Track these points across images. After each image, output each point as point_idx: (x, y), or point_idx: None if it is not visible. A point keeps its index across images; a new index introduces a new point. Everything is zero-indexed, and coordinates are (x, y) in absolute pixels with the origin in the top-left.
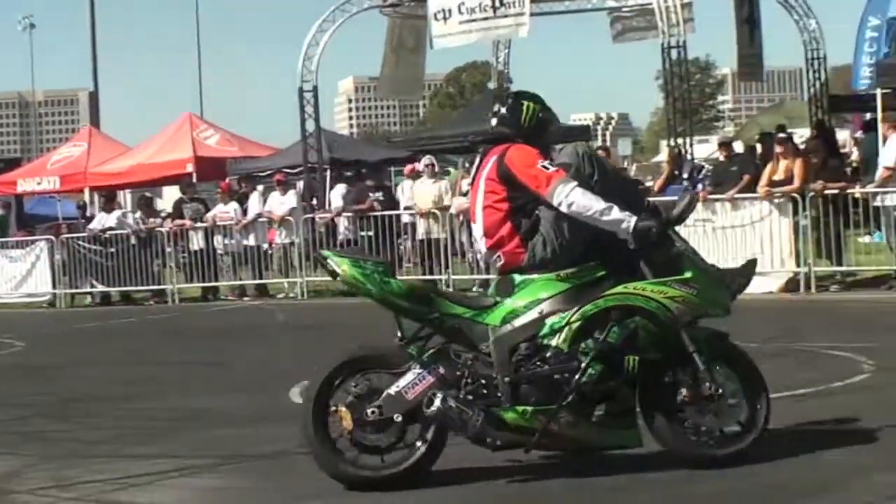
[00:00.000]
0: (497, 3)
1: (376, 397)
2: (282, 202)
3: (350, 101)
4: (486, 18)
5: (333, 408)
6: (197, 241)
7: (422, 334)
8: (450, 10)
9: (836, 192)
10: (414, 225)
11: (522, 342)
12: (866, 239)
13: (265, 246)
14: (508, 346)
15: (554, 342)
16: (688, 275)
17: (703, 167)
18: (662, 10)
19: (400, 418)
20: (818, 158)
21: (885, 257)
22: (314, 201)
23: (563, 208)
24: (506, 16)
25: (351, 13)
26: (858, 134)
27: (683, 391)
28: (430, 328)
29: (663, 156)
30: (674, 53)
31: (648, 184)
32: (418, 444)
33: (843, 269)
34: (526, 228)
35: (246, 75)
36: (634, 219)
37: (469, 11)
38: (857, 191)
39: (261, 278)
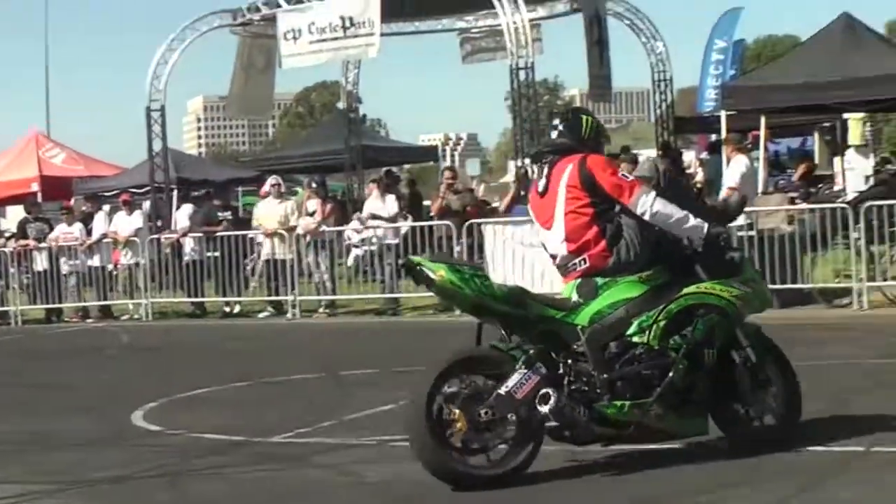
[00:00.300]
0: (347, 24)
1: (486, 398)
2: (128, 222)
3: (199, 120)
4: (335, 38)
5: (441, 407)
6: (41, 262)
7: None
8: (300, 30)
9: None
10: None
11: (612, 341)
12: None
13: (110, 267)
14: (600, 345)
15: (644, 339)
16: (746, 275)
17: None
18: (511, 31)
19: (514, 417)
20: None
21: None
22: (160, 222)
23: (647, 216)
24: (356, 36)
25: (201, 32)
26: (704, 155)
27: (744, 380)
28: (521, 330)
29: (511, 176)
30: (522, 74)
31: (495, 204)
32: (527, 443)
33: None
34: (611, 233)
35: (95, 93)
36: (706, 225)
37: (319, 31)
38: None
39: (105, 300)
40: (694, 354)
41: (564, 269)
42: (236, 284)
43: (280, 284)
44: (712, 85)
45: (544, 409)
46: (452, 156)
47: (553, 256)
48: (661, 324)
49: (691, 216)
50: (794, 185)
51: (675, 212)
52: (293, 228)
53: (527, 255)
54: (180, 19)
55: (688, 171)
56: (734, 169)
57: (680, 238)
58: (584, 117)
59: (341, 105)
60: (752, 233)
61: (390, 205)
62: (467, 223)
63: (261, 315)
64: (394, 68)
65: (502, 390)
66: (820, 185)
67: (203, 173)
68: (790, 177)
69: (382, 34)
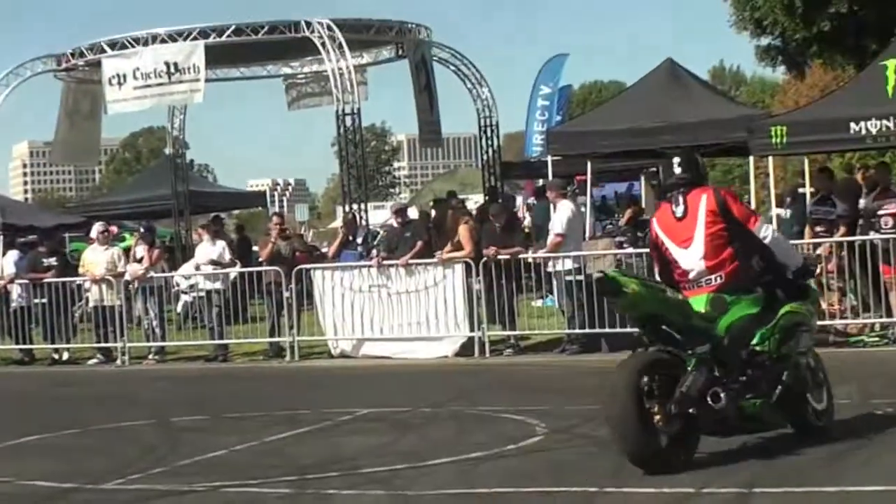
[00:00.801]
0: (172, 69)
1: (671, 394)
2: None
3: (25, 165)
4: (160, 84)
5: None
6: None
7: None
8: (125, 76)
9: (508, 257)
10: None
11: (742, 349)
12: (539, 303)
13: None
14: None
15: (765, 348)
16: (812, 298)
17: (377, 233)
18: (336, 77)
19: (694, 412)
20: (500, 223)
21: (557, 321)
22: None
23: (768, 241)
24: (181, 81)
25: (24, 77)
26: (531, 200)
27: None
28: (687, 338)
29: (339, 221)
30: (348, 120)
31: (324, 250)
32: (697, 434)
33: (517, 332)
34: (742, 255)
35: None
36: (803, 255)
37: (144, 77)
38: (529, 256)
39: None
40: (797, 360)
41: (697, 283)
42: (64, 331)
43: (109, 331)
44: (538, 130)
45: (717, 405)
46: (281, 201)
47: (687, 271)
48: (778, 336)
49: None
50: (622, 229)
51: (784, 240)
52: (121, 274)
53: (356, 299)
54: (4, 64)
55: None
56: (561, 214)
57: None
58: (697, 156)
59: (168, 150)
60: (580, 277)
61: (221, 250)
62: (296, 269)
63: (90, 362)
64: (221, 114)
65: (683, 388)
66: (647, 230)
67: (29, 219)
68: (617, 221)
69: (208, 80)
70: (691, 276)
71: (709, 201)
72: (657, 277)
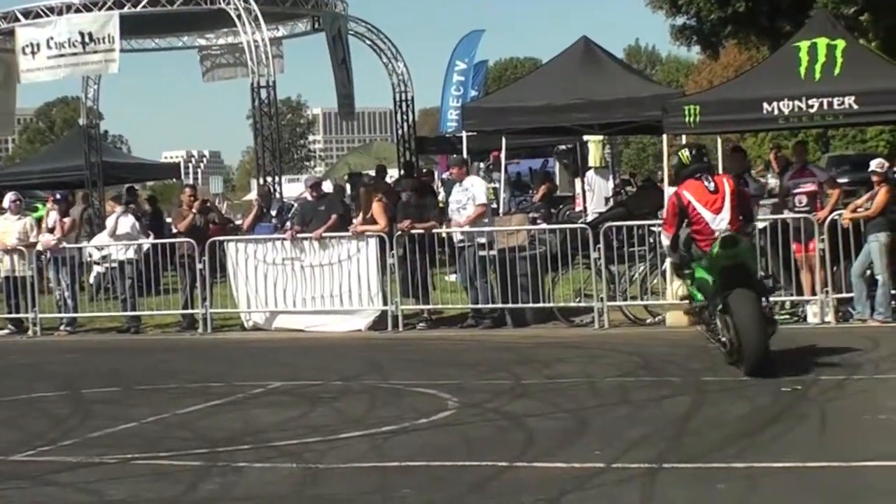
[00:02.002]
0: (86, 39)
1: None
2: None
3: None
4: (74, 54)
5: None
6: None
7: None
8: (38, 45)
9: (422, 231)
10: None
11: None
12: (452, 277)
13: None
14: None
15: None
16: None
17: (291, 205)
18: (251, 49)
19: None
20: (411, 197)
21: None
22: None
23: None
24: (95, 51)
25: None
26: (445, 175)
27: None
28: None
29: (254, 194)
30: (263, 93)
31: (238, 222)
32: None
33: (430, 307)
34: (742, 219)
35: None
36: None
37: (58, 46)
38: (443, 230)
39: None
40: None
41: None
42: None
43: (20, 301)
44: (454, 105)
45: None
46: (195, 173)
47: (714, 230)
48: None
49: None
50: (535, 205)
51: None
52: (33, 244)
53: (270, 272)
54: None
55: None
56: (479, 186)
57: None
58: (704, 150)
59: (82, 121)
60: (493, 252)
61: (132, 222)
62: (210, 241)
63: (0, 332)
64: (135, 85)
65: (768, 312)
66: (561, 206)
67: None
68: (531, 197)
69: (123, 50)
70: (716, 233)
71: (730, 184)
72: (665, 234)
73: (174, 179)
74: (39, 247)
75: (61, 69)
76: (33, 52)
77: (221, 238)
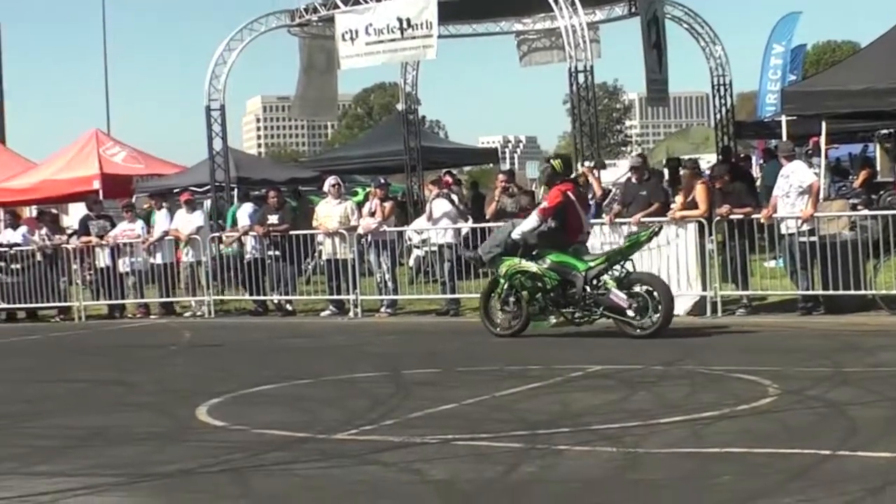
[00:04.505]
0: (404, 25)
1: None
2: (189, 221)
3: (258, 120)
4: (393, 40)
5: None
6: (103, 259)
7: None
8: (357, 31)
9: (741, 216)
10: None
11: None
12: (771, 264)
13: (172, 264)
14: None
15: None
16: None
17: (609, 191)
18: (569, 34)
19: None
20: (720, 184)
21: (790, 282)
22: (221, 220)
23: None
24: (413, 37)
25: (259, 32)
26: (761, 161)
27: None
28: None
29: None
30: (581, 77)
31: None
32: None
33: (749, 293)
34: None
35: (154, 92)
36: None
37: (376, 32)
38: (761, 216)
39: (168, 296)
40: None
41: None
42: (296, 283)
43: (341, 283)
44: (771, 90)
45: None
46: (512, 158)
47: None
48: None
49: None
50: (856, 191)
51: None
52: (354, 228)
53: None
54: (241, 18)
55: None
56: (801, 173)
57: None
58: None
59: (400, 106)
60: (814, 238)
61: (447, 205)
62: None
63: (323, 314)
64: (453, 70)
65: None
66: (881, 192)
67: (263, 173)
68: (852, 183)
69: (440, 36)
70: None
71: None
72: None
73: (491, 164)
74: (360, 230)
75: (380, 55)
76: (352, 39)
77: None
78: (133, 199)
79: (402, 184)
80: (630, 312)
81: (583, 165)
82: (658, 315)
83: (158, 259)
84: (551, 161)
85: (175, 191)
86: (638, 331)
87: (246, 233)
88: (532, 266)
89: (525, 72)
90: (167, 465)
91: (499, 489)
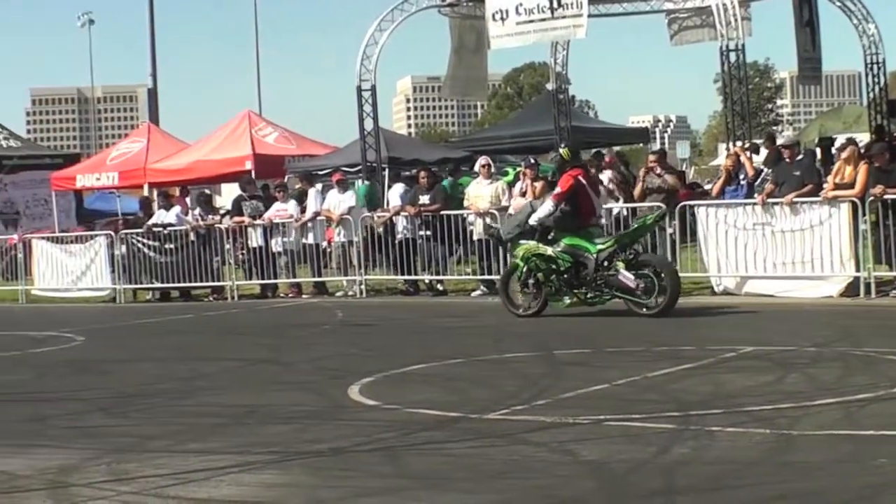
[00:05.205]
0: (555, 4)
1: None
2: (340, 201)
3: (408, 100)
4: (543, 19)
5: None
6: (256, 239)
7: None
8: (507, 11)
9: (895, 196)
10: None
11: None
12: None
13: (324, 244)
14: None
15: None
16: None
17: (761, 170)
18: (720, 12)
19: None
20: (880, 163)
21: None
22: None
23: None
24: (563, 17)
25: (409, 12)
26: None
27: None
28: None
29: (721, 159)
30: (732, 56)
31: (707, 187)
32: None
33: None
34: None
35: (304, 73)
36: None
37: (526, 12)
38: None
39: (319, 276)
40: None
41: None
42: (447, 264)
43: (492, 263)
44: None
45: None
46: (662, 138)
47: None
48: None
49: None
50: None
51: None
52: (505, 208)
53: (740, 237)
54: (390, 0)
55: None
56: None
57: None
58: None
59: (550, 86)
60: None
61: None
62: (679, 205)
63: (473, 294)
64: (603, 49)
65: None
66: None
67: (414, 153)
68: None
69: (590, 15)
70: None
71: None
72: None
73: (641, 144)
74: (511, 210)
75: (530, 35)
76: (502, 19)
77: (692, 202)
78: (285, 180)
79: (553, 164)
80: (638, 293)
81: (734, 145)
82: (663, 296)
83: (310, 239)
84: (560, 150)
85: (324, 171)
86: (644, 310)
87: (397, 213)
88: (547, 249)
89: (675, 50)
90: (319, 443)
91: (651, 470)
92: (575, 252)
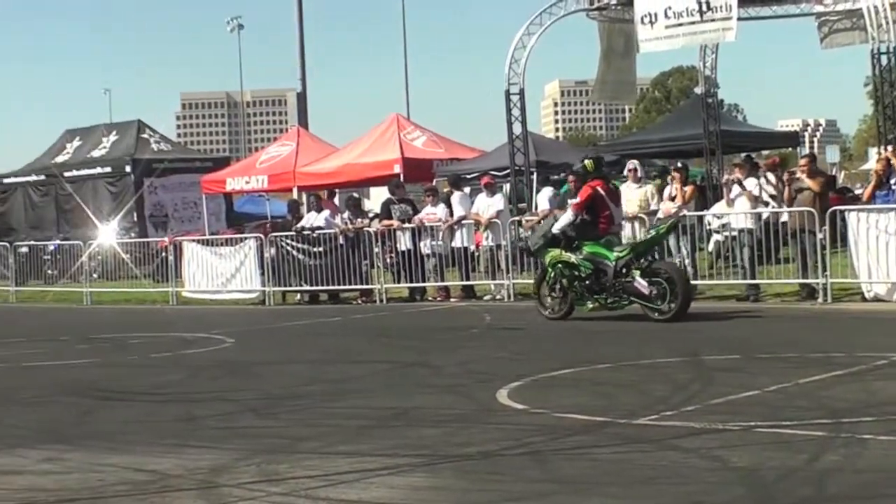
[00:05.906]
0: (704, 8)
1: None
2: (489, 204)
3: (556, 104)
4: (692, 23)
5: None
6: (405, 242)
7: None
8: (656, 15)
9: None
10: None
11: None
12: None
13: (472, 248)
14: None
15: None
16: None
17: None
18: (871, 14)
19: None
20: None
21: None
22: (521, 204)
23: None
24: (712, 20)
25: (558, 16)
26: None
27: None
28: None
29: (872, 163)
30: (883, 59)
31: (858, 191)
32: None
33: None
34: None
35: (452, 77)
36: None
37: (675, 16)
38: None
39: (467, 280)
40: None
41: None
42: None
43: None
44: None
45: None
46: (811, 142)
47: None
48: None
49: None
50: None
51: None
52: (654, 212)
53: (891, 242)
54: (540, 3)
55: None
56: None
57: None
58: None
59: (699, 90)
60: None
61: (757, 188)
62: (830, 210)
63: None
64: (752, 52)
65: None
66: None
67: (562, 157)
68: None
69: (739, 18)
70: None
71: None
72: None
73: (791, 148)
74: (660, 214)
75: (679, 38)
76: (651, 22)
77: (843, 207)
78: (434, 183)
79: (701, 167)
80: (652, 299)
81: (885, 149)
82: (675, 302)
83: (458, 242)
84: (584, 161)
85: (472, 175)
86: (657, 314)
87: (546, 216)
88: (570, 256)
89: (825, 53)
90: (468, 446)
91: (802, 477)
92: (595, 259)
